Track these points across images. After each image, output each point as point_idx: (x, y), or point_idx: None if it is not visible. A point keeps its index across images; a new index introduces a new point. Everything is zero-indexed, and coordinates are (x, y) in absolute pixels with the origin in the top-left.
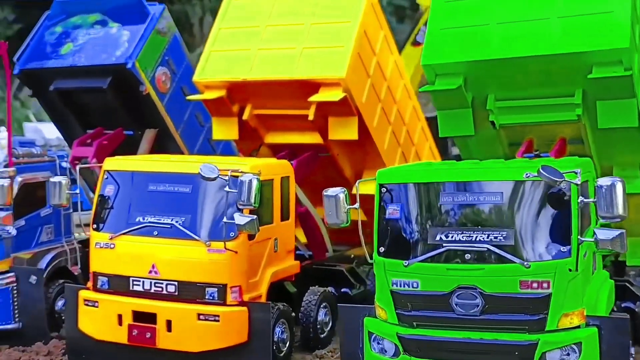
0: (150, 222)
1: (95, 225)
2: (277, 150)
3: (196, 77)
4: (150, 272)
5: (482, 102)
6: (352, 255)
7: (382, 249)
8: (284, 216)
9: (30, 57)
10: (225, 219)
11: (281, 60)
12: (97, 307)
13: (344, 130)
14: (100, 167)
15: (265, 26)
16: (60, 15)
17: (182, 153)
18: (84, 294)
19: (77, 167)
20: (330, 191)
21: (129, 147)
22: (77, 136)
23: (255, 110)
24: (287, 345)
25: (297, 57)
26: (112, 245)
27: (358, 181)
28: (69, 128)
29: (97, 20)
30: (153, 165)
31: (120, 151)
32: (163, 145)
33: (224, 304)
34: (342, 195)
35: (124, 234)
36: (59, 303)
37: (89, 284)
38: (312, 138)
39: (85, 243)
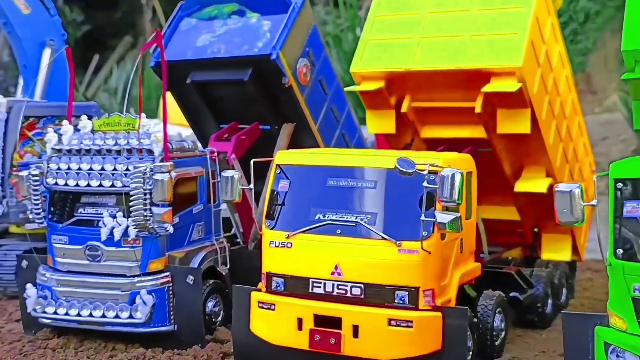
0: (332, 220)
1: (268, 223)
2: (432, 145)
3: (353, 68)
4: (332, 273)
5: None
6: (510, 257)
7: (620, 251)
8: (468, 214)
9: (167, 50)
10: (423, 217)
11: (447, 49)
12: (273, 310)
13: (514, 124)
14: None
15: (426, 13)
16: (195, 6)
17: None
18: (257, 295)
19: (235, 161)
20: (563, 186)
21: (265, 142)
22: (208, 131)
23: (413, 103)
24: (470, 354)
25: (464, 45)
26: (289, 245)
27: (596, 175)
28: (201, 122)
29: (234, 11)
30: (332, 159)
31: (256, 146)
32: (299, 140)
33: (416, 308)
34: (577, 191)
35: (302, 232)
36: (209, 304)
37: (260, 285)
38: (472, 132)
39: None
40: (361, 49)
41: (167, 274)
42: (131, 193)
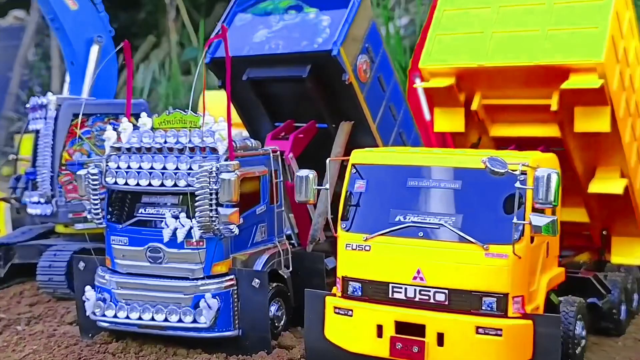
0: (413, 222)
1: (343, 225)
2: (500, 144)
3: (422, 64)
4: (414, 278)
5: None
6: (581, 261)
7: None
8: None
9: (222, 46)
10: (515, 219)
11: (521, 44)
12: (351, 316)
13: (594, 122)
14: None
15: (498, 7)
16: (249, 1)
17: (376, 147)
18: (333, 300)
19: (292, 160)
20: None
21: (321, 141)
22: (263, 129)
23: (484, 100)
24: None
25: (540, 40)
26: (367, 248)
27: None
28: (255, 120)
29: (291, 6)
30: (413, 159)
31: (312, 145)
32: (356, 139)
33: (505, 316)
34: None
35: (381, 234)
36: (272, 308)
37: (334, 290)
38: (545, 130)
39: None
40: (430, 44)
41: (232, 277)
42: (197, 193)
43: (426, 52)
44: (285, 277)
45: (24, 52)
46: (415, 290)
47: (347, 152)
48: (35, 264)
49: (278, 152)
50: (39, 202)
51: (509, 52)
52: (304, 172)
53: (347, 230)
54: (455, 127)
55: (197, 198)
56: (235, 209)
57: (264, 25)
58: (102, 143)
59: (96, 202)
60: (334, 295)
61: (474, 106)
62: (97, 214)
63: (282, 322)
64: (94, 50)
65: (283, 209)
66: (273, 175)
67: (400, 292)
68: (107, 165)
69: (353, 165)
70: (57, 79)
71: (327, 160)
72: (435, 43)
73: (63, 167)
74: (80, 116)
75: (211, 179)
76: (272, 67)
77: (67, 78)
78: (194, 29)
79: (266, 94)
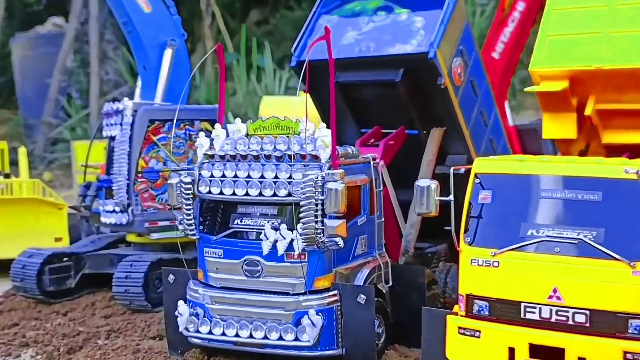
0: (548, 237)
1: (468, 239)
2: (612, 152)
3: (533, 66)
4: (550, 297)
5: None
6: None
7: None
8: None
9: (306, 48)
10: None
11: None
12: (478, 337)
13: None
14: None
15: (615, 5)
16: (335, 2)
17: (468, 154)
18: (456, 320)
19: (381, 167)
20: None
21: (410, 148)
22: (348, 135)
23: (598, 105)
24: None
25: None
26: (495, 264)
27: None
28: (341, 126)
29: (380, 7)
30: (546, 168)
31: (401, 152)
32: (447, 145)
33: None
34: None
35: (511, 250)
36: None
37: (456, 308)
38: None
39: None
40: (540, 45)
41: (335, 292)
42: (301, 204)
43: (536, 54)
44: (384, 291)
45: (63, 59)
46: (551, 310)
47: (439, 159)
48: (105, 273)
49: (378, 160)
50: (113, 211)
51: (629, 53)
52: (425, 182)
53: (471, 245)
54: (566, 133)
55: (301, 209)
56: (342, 220)
57: (353, 27)
58: (179, 150)
59: (189, 212)
60: (456, 314)
61: (588, 111)
62: (190, 224)
63: (383, 339)
64: (167, 54)
65: (383, 219)
66: (373, 184)
67: (534, 312)
68: (199, 174)
69: (476, 174)
70: (96, 85)
71: (451, 170)
72: (546, 44)
73: (139, 175)
74: (146, 121)
75: (316, 189)
76: (363, 70)
77: (139, 83)
78: (229, 34)
79: (353, 98)
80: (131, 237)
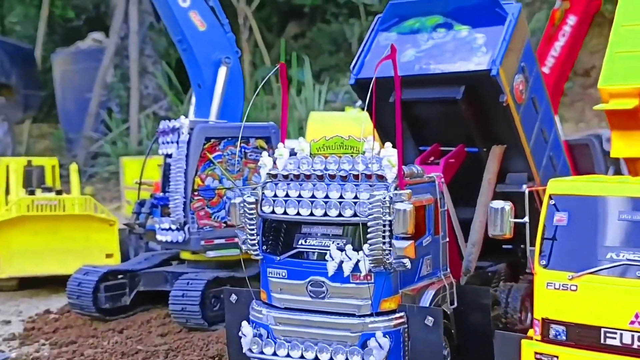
0: (629, 260)
1: (543, 261)
2: None
3: (602, 84)
4: (632, 322)
5: None
6: None
7: None
8: None
9: (366, 66)
10: None
11: None
12: None
13: None
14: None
15: None
16: (393, 19)
17: (528, 171)
18: (533, 345)
19: (444, 186)
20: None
21: (469, 166)
22: (405, 153)
23: None
24: None
25: None
26: (572, 287)
27: None
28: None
29: (439, 23)
30: (627, 189)
31: (462, 170)
32: (507, 163)
33: None
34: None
35: (590, 273)
36: None
37: (531, 332)
38: None
39: None
40: (609, 62)
41: (402, 314)
42: (369, 224)
43: (605, 72)
44: (449, 313)
45: (103, 74)
46: (632, 336)
47: (499, 178)
48: (159, 291)
49: (442, 179)
50: (169, 229)
51: None
52: (499, 204)
53: (547, 267)
54: (636, 152)
55: (369, 230)
56: (411, 241)
57: (412, 44)
58: (234, 167)
59: (252, 231)
60: (531, 338)
61: None
62: (254, 244)
63: None
64: (222, 71)
65: (447, 239)
66: (438, 203)
67: (615, 338)
68: (263, 194)
69: (551, 195)
70: (136, 99)
71: (525, 190)
72: (615, 62)
73: (195, 193)
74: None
75: (384, 209)
76: (423, 87)
77: (193, 100)
78: (266, 48)
79: (412, 116)
80: (185, 255)
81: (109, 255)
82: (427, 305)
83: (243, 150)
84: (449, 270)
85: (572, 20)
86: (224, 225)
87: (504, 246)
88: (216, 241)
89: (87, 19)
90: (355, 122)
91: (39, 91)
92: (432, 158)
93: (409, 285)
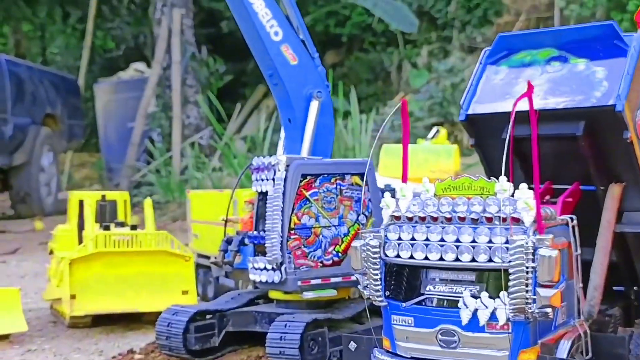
0: None
1: None
2: None
3: None
4: None
5: None
6: None
7: None
8: None
9: (477, 101)
10: None
11: None
12: None
13: None
14: None
15: None
16: (502, 52)
17: None
18: None
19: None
20: None
21: (584, 205)
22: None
23: None
24: None
25: None
26: None
27: None
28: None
29: (553, 57)
30: None
31: (577, 209)
32: (625, 202)
33: None
34: None
35: None
36: None
37: None
38: None
39: None
40: None
41: None
42: (511, 271)
43: None
44: None
45: (146, 104)
46: None
47: (618, 217)
48: (247, 332)
49: (575, 222)
50: (264, 269)
51: None
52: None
53: None
54: None
55: (511, 277)
56: (557, 289)
57: (524, 78)
58: (329, 205)
59: (376, 276)
60: None
61: None
62: (377, 290)
63: None
64: (314, 106)
65: (581, 285)
66: (572, 247)
67: None
68: (385, 237)
69: None
70: (178, 129)
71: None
72: None
73: (292, 232)
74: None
75: (527, 255)
76: (539, 123)
77: (282, 135)
78: None
79: (524, 152)
80: (275, 294)
81: (184, 292)
82: (565, 356)
83: (338, 186)
84: (582, 317)
85: None
86: (320, 265)
87: (614, 287)
88: (312, 282)
89: (126, 49)
90: (439, 156)
91: (82, 121)
92: (547, 197)
93: (547, 335)
